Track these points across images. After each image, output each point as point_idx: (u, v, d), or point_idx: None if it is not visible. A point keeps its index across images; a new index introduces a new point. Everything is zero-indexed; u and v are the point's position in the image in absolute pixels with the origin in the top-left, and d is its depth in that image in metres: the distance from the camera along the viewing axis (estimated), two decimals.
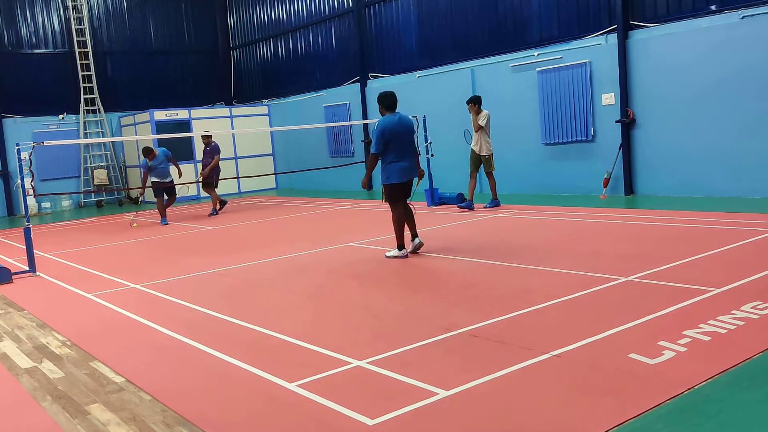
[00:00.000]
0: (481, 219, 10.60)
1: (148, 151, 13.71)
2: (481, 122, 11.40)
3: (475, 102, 11.55)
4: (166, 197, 14.08)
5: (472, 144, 11.70)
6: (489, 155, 11.64)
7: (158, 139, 18.46)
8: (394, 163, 7.76)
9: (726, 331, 4.47)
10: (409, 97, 15.84)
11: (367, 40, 17.65)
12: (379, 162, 7.89)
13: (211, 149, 14.38)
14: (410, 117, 8.15)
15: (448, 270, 7.19)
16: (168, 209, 14.49)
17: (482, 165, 11.74)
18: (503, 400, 3.70)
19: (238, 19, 22.77)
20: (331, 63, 19.08)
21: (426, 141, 13.01)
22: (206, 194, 15.18)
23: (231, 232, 11.71)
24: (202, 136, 14.40)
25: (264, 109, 21.53)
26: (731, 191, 10.78)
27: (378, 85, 17.36)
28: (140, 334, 5.66)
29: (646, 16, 11.82)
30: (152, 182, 13.90)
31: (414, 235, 8.08)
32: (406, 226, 8.00)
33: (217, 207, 14.67)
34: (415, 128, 8.15)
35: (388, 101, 7.83)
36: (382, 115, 7.85)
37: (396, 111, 7.88)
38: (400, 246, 7.91)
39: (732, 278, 5.71)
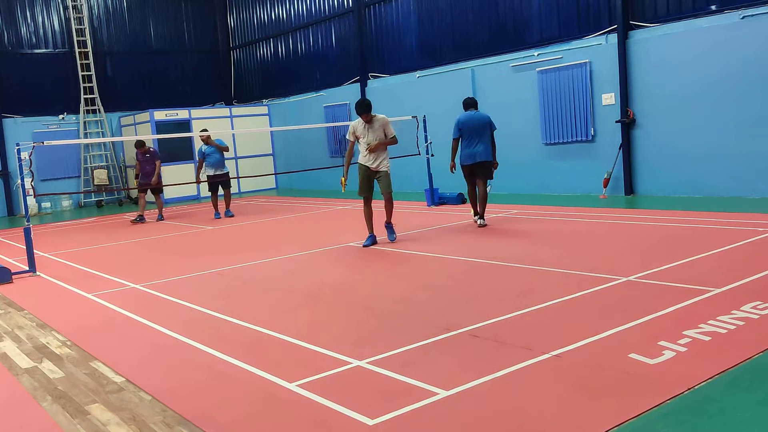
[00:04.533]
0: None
1: (206, 137, 13.57)
2: (393, 132, 8.94)
3: (369, 109, 8.71)
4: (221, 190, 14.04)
5: (370, 161, 8.84)
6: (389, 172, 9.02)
7: (158, 139, 18.51)
8: (464, 149, 9.73)
9: (726, 331, 4.47)
10: (409, 97, 15.88)
11: (367, 40, 17.64)
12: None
13: (152, 155, 14.13)
14: (486, 114, 9.90)
15: (448, 270, 7.19)
16: (167, 209, 14.38)
17: (378, 185, 9.00)
18: (503, 400, 3.70)
19: (238, 19, 22.77)
20: (331, 63, 19.08)
21: (426, 141, 13.02)
22: (206, 195, 14.99)
23: (231, 232, 11.71)
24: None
25: (264, 109, 21.53)
26: (731, 191, 10.78)
27: (378, 85, 17.37)
28: (140, 333, 5.66)
29: (646, 16, 11.82)
30: (207, 176, 13.78)
31: (479, 215, 9.83)
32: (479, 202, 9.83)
33: (158, 215, 14.58)
34: (492, 124, 9.79)
35: (465, 102, 9.98)
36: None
37: (475, 110, 9.86)
38: (474, 212, 9.98)
39: (732, 278, 5.71)
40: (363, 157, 8.88)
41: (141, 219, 14.23)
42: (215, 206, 14.11)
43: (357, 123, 8.89)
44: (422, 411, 3.62)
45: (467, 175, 9.90)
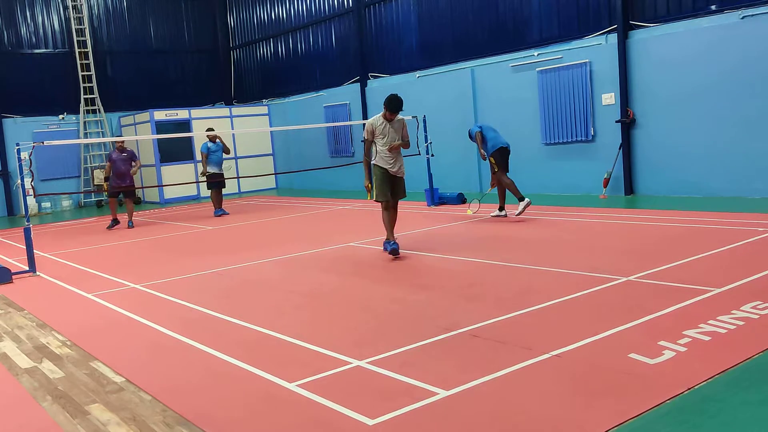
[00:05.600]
0: (481, 219, 10.60)
1: (213, 136, 13.89)
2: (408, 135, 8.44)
3: (401, 107, 8.08)
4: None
5: (390, 163, 8.14)
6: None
7: (158, 139, 18.53)
8: (495, 138, 10.35)
9: (726, 331, 4.47)
10: (409, 97, 15.82)
11: (367, 40, 17.65)
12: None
13: (129, 155, 13.24)
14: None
15: (448, 270, 7.19)
16: (167, 208, 14.30)
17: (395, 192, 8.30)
18: (503, 400, 3.70)
19: (238, 19, 22.77)
20: (331, 63, 19.08)
21: (426, 141, 13.02)
22: (206, 194, 14.98)
23: (231, 232, 11.71)
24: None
25: (264, 109, 21.53)
26: (731, 191, 10.78)
27: (378, 85, 17.37)
28: (140, 333, 5.66)
29: (646, 16, 11.82)
30: (208, 174, 14.00)
31: (502, 207, 10.59)
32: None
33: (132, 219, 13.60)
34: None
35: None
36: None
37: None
38: (521, 198, 10.10)
39: (732, 278, 5.71)
40: (382, 159, 8.10)
41: (116, 222, 13.30)
42: (215, 204, 14.39)
43: (376, 121, 8.14)
44: (422, 411, 3.62)
45: (501, 159, 10.28)
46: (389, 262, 7.86)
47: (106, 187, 14.42)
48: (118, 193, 13.56)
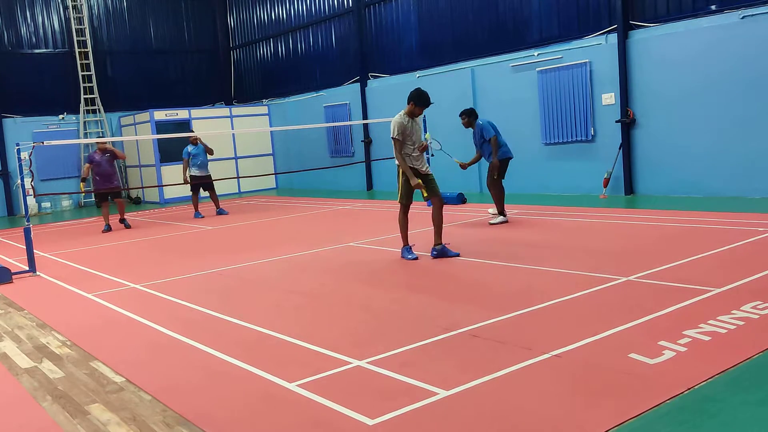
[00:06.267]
0: (480, 219, 10.59)
1: (194, 139, 14.03)
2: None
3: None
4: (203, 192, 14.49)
5: (419, 163, 7.76)
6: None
7: (158, 139, 18.53)
8: (505, 144, 10.19)
9: (726, 331, 4.47)
10: None
11: (367, 40, 17.65)
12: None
13: (111, 155, 12.72)
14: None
15: (448, 270, 7.19)
16: (167, 208, 14.30)
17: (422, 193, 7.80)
18: (503, 400, 3.70)
19: (238, 19, 22.78)
20: (331, 63, 19.09)
21: (426, 140, 13.01)
22: (205, 195, 14.87)
23: (231, 232, 11.71)
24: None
25: (264, 109, 21.53)
26: (731, 191, 10.78)
27: (378, 85, 17.37)
28: (140, 333, 5.65)
29: (646, 16, 11.83)
30: (190, 176, 14.10)
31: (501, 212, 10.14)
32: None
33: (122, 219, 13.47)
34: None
35: (474, 111, 10.39)
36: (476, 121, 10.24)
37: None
38: (502, 212, 10.04)
39: (732, 278, 5.70)
40: (413, 159, 7.66)
41: (109, 228, 12.93)
42: (196, 206, 14.51)
43: (403, 119, 7.61)
44: (422, 411, 3.62)
45: (504, 170, 10.15)
46: (389, 262, 7.86)
47: (82, 188, 14.53)
48: (106, 195, 13.32)
